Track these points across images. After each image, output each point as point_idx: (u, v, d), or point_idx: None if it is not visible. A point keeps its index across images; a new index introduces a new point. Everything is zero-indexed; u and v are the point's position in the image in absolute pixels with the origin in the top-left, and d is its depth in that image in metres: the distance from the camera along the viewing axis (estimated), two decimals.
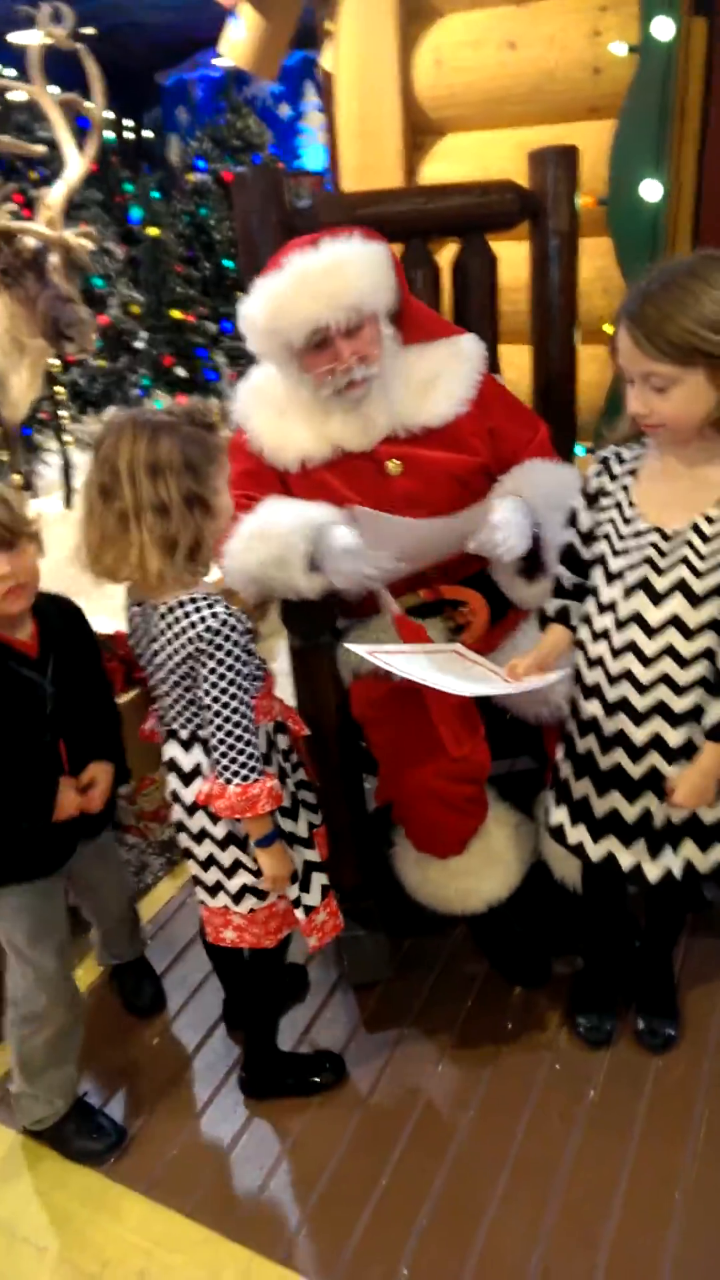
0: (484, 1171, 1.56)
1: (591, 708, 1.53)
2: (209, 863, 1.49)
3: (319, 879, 1.58)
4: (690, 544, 1.37)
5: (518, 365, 2.23)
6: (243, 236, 1.98)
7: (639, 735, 1.47)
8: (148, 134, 8.57)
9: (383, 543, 1.61)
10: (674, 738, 1.45)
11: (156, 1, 6.61)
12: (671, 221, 2.30)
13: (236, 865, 1.48)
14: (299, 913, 1.53)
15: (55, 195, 2.84)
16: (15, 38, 2.78)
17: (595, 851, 1.58)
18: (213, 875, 1.50)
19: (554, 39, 2.26)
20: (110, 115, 9.13)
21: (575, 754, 1.60)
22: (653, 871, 1.53)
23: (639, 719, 1.46)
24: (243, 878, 1.49)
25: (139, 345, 4.58)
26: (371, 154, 2.56)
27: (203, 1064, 1.80)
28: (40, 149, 2.94)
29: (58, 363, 3.36)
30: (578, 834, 1.61)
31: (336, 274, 1.60)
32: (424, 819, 1.72)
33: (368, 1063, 1.77)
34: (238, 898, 1.50)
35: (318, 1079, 1.70)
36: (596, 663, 1.50)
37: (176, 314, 4.63)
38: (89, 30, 10.67)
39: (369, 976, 1.91)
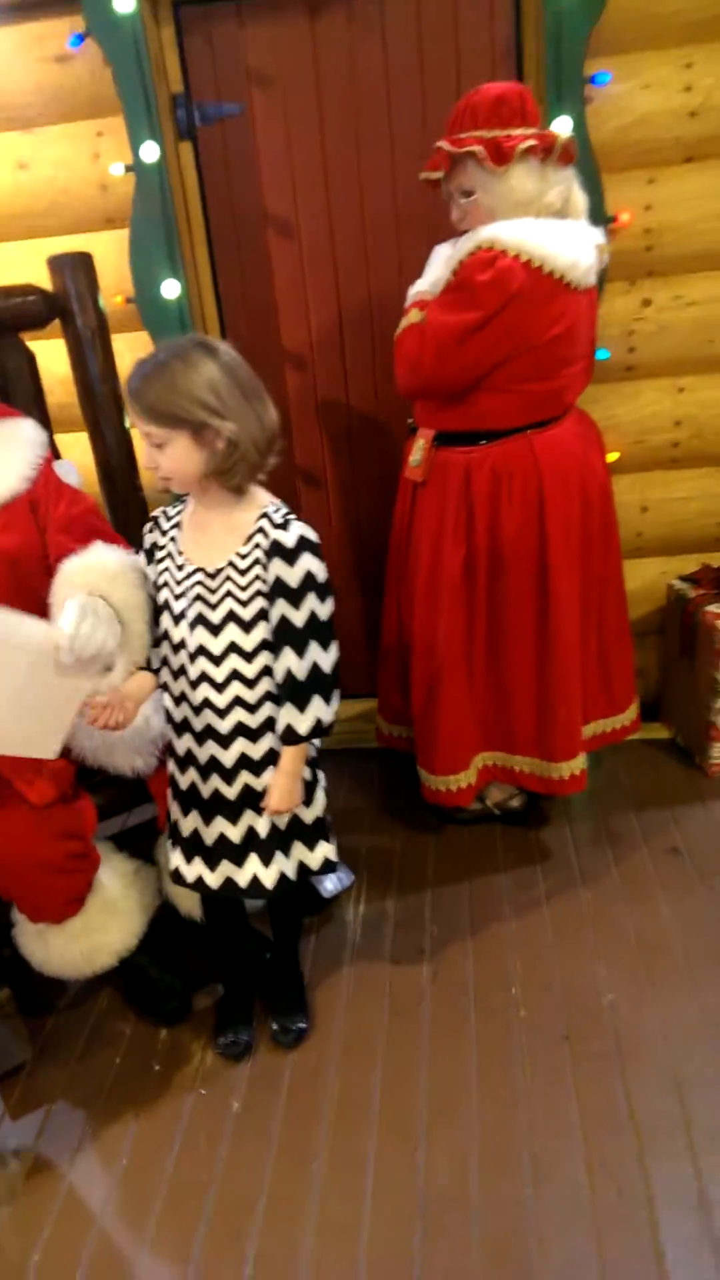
0: (133, 1218, 1.59)
1: (185, 742, 1.67)
2: None
3: None
4: (230, 579, 1.57)
5: (86, 450, 2.38)
6: None
7: (228, 758, 1.64)
8: None
9: None
10: (256, 752, 1.64)
11: None
12: (196, 314, 2.60)
13: None
14: None
15: None
16: None
17: (214, 880, 1.71)
18: None
19: (61, 161, 2.49)
20: None
21: (180, 791, 1.73)
22: (269, 878, 1.69)
23: (225, 742, 1.63)
24: None
25: None
26: None
27: None
28: None
29: None
30: (194, 870, 1.73)
31: None
32: (31, 888, 1.75)
33: (12, 1155, 1.73)
34: None
35: None
36: (181, 699, 1.65)
37: None
38: None
39: (7, 1065, 1.87)
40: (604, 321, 2.41)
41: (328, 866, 1.77)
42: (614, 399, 2.57)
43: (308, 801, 1.72)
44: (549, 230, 1.87)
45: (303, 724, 1.59)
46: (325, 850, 1.76)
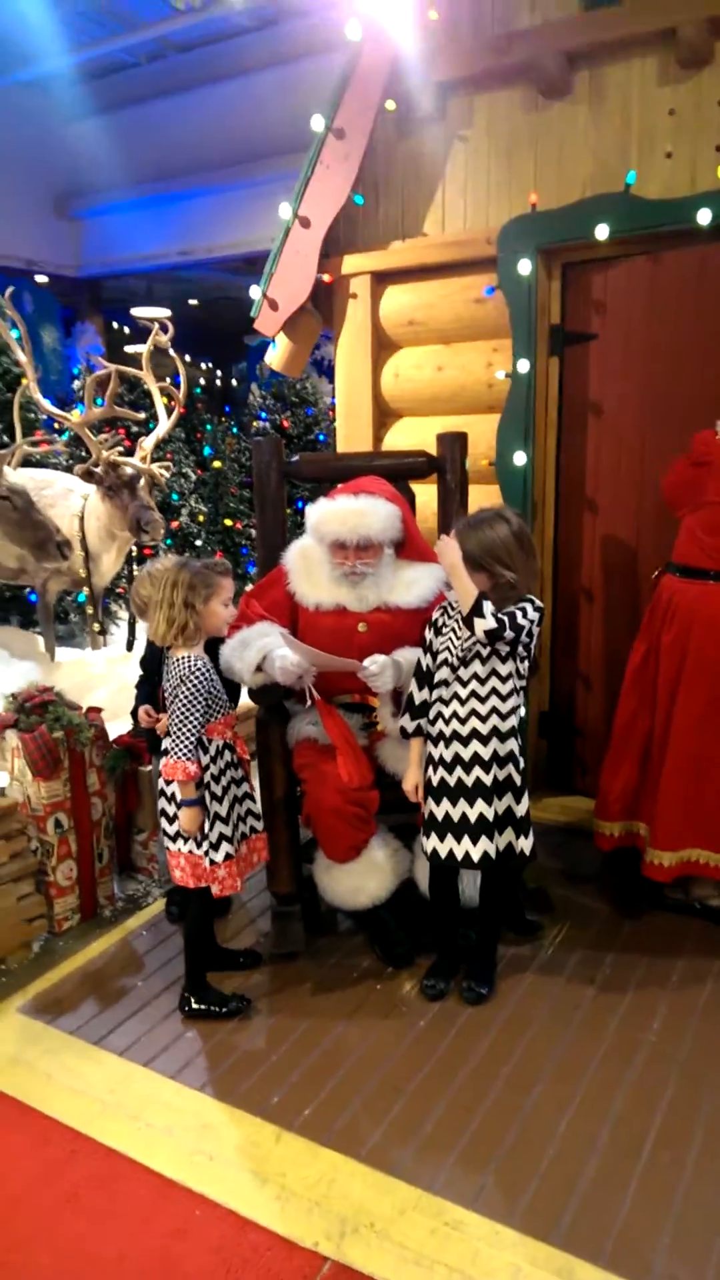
0: (353, 1071, 2.39)
1: (438, 749, 2.51)
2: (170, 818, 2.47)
3: (225, 848, 2.46)
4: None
5: None
6: (257, 478, 3.19)
7: (466, 753, 2.45)
8: (234, 383, 10.69)
9: (302, 658, 2.65)
10: (487, 753, 2.43)
11: (247, 282, 8.62)
12: (538, 478, 3.51)
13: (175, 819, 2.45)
14: (205, 861, 2.44)
15: (148, 443, 4.22)
16: (130, 348, 4.30)
17: (443, 849, 2.50)
18: (170, 827, 2.47)
19: (465, 366, 3.59)
20: (204, 367, 11.19)
21: (430, 787, 2.55)
22: (482, 851, 2.44)
23: (464, 741, 2.45)
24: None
25: (198, 544, 5.97)
26: (355, 428, 3.88)
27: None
28: (141, 416, 4.36)
29: (136, 550, 4.65)
30: (430, 843, 2.54)
31: (358, 516, 2.65)
32: (327, 829, 2.66)
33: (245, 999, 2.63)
34: (176, 840, 2.46)
35: (226, 1007, 2.56)
36: (438, 718, 2.50)
37: (229, 522, 6.06)
38: (194, 302, 12.95)
39: (288, 948, 2.79)
40: None
41: (525, 857, 2.48)
42: None
43: (518, 799, 2.46)
44: None
45: None
46: (524, 843, 2.48)
